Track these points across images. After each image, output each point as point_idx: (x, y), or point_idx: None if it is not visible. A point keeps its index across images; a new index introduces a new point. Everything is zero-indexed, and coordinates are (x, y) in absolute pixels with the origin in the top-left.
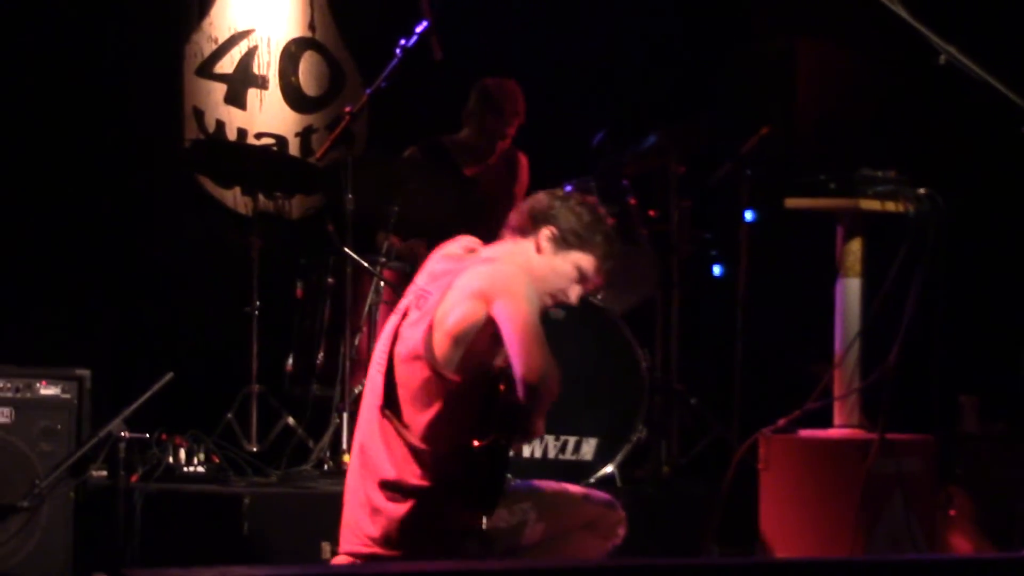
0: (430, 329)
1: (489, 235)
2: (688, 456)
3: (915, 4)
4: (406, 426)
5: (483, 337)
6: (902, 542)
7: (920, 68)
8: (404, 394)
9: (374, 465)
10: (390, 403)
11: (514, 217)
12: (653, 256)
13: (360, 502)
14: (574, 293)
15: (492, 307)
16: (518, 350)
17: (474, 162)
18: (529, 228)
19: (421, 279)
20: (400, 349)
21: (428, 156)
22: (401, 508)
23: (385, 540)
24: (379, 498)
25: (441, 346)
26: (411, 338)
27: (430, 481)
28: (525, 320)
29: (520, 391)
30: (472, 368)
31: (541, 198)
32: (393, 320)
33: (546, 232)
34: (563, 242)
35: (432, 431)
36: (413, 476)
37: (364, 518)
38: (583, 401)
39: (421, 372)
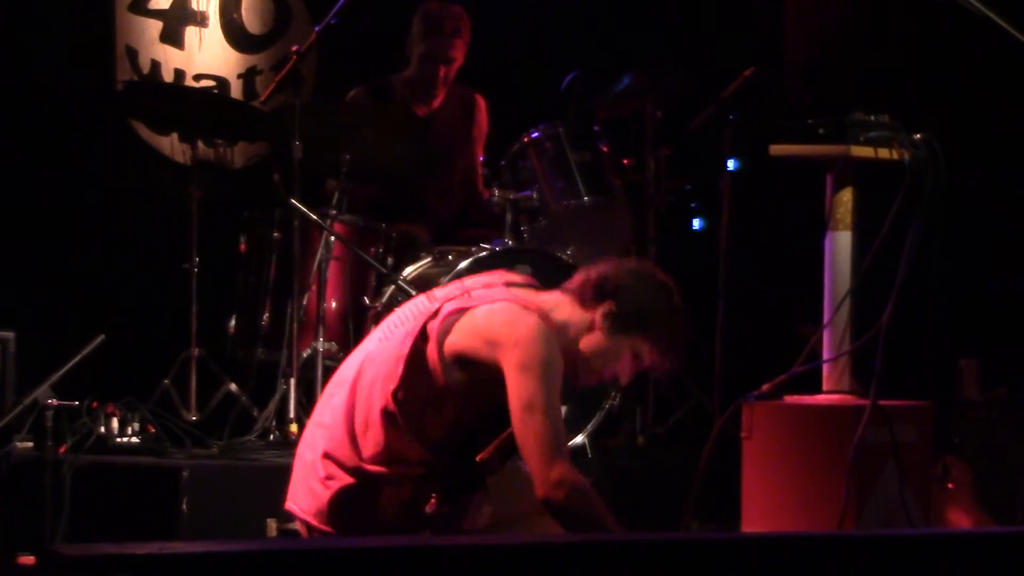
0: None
1: (445, 183)
2: (665, 425)
3: None
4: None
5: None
6: (896, 516)
7: (917, 4)
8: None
9: (338, 438)
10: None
11: (577, 279)
12: (627, 209)
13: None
14: (625, 375)
15: (503, 364)
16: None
17: (423, 99)
18: (590, 299)
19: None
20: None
21: (375, 97)
22: (340, 484)
23: (319, 513)
24: (326, 470)
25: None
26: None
27: (387, 468)
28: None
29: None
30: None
31: (611, 269)
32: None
33: (606, 308)
34: (623, 324)
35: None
36: (373, 459)
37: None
38: None
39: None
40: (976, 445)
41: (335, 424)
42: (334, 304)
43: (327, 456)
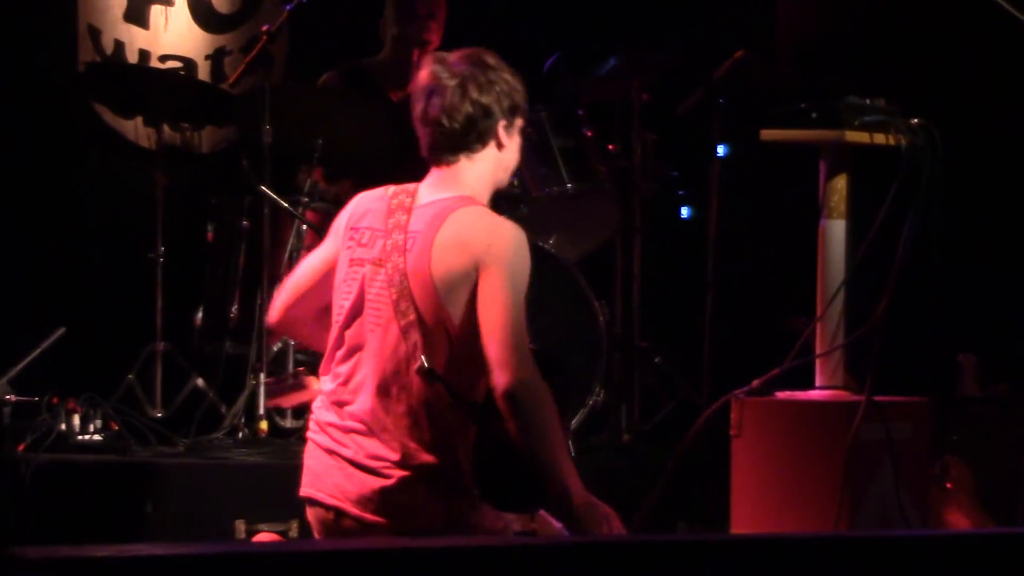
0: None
1: (421, 170)
2: (652, 422)
3: None
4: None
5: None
6: (892, 517)
7: None
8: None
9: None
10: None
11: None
12: (612, 196)
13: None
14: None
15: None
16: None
17: (399, 84)
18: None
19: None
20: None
21: (348, 82)
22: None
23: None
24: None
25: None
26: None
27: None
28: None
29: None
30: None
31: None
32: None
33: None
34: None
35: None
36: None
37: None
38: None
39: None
40: (976, 444)
41: (376, 409)
42: None
43: (378, 440)
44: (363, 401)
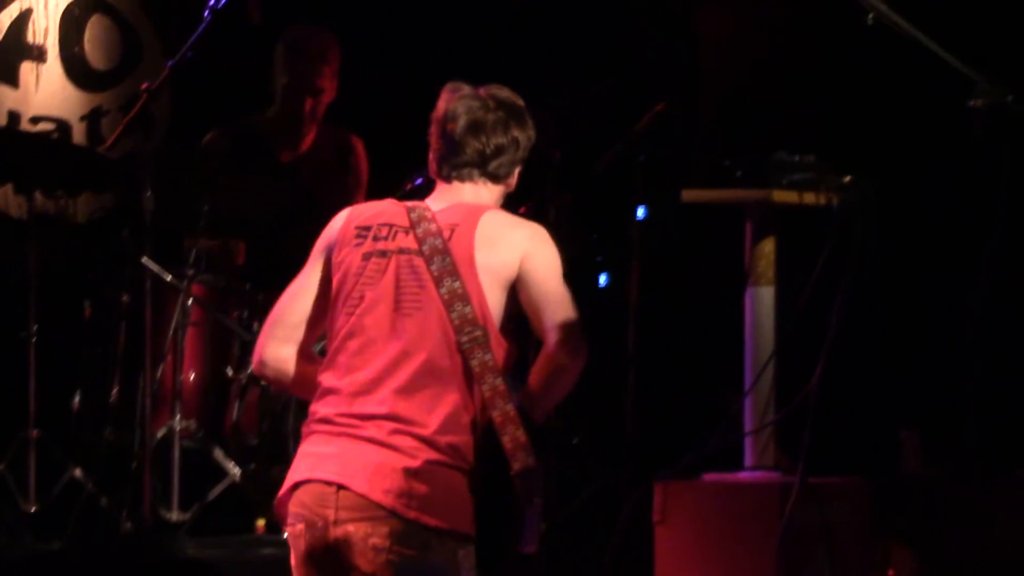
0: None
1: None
2: (569, 508)
3: None
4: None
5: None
6: None
7: (845, 31)
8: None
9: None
10: None
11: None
12: None
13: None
14: None
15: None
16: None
17: (290, 141)
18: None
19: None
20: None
21: (234, 141)
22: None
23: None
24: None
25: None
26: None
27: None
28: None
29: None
30: None
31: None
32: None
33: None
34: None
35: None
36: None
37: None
38: None
39: None
40: (920, 527)
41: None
42: (192, 376)
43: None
44: (391, 385)
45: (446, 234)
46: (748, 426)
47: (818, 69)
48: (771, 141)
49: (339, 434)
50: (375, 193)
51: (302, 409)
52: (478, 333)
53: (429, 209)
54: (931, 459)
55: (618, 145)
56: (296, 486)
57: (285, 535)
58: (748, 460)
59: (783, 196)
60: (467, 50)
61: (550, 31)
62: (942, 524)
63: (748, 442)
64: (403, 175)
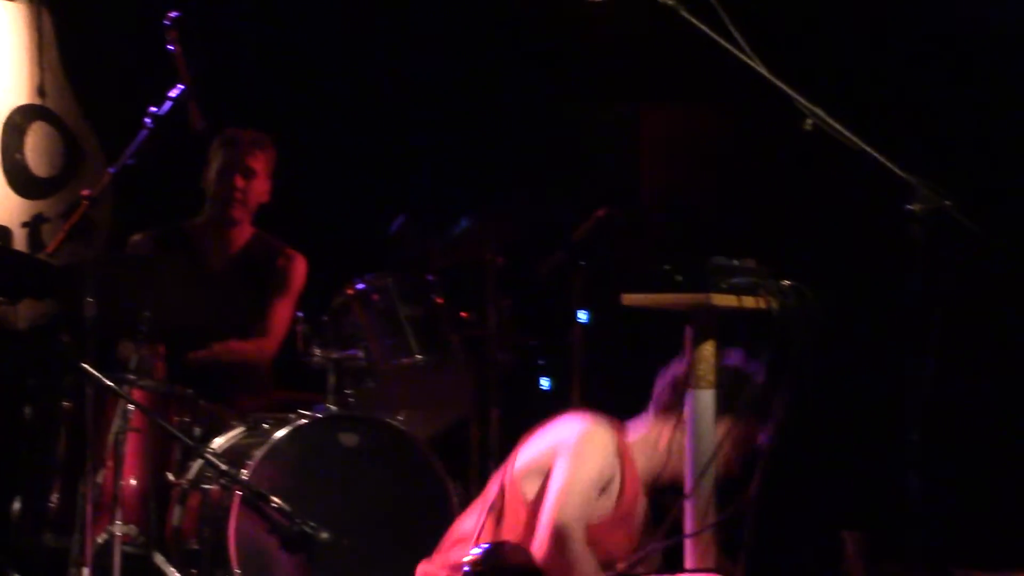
0: None
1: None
2: None
3: (778, 63)
4: None
5: None
6: None
7: (784, 136)
8: None
9: None
10: None
11: (657, 388)
12: (465, 368)
13: None
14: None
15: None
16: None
17: (219, 244)
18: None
19: None
20: None
21: (160, 245)
22: None
23: None
24: None
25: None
26: None
27: None
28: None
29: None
30: None
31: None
32: None
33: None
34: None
35: None
36: None
37: None
38: (383, 544)
39: None
40: None
41: None
42: (133, 482)
43: None
44: None
45: None
46: (689, 528)
47: (758, 174)
48: (710, 246)
49: None
50: (314, 296)
51: (243, 514)
52: None
53: None
54: (874, 561)
55: (559, 250)
56: None
57: None
58: (688, 562)
59: (722, 300)
60: (405, 158)
61: (493, 143)
62: None
63: (688, 544)
64: (343, 280)
